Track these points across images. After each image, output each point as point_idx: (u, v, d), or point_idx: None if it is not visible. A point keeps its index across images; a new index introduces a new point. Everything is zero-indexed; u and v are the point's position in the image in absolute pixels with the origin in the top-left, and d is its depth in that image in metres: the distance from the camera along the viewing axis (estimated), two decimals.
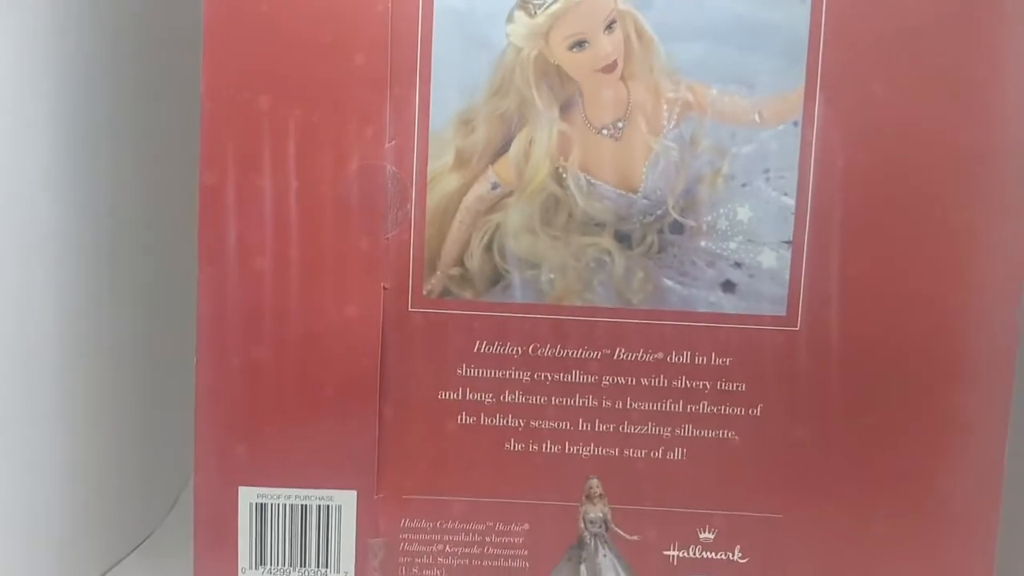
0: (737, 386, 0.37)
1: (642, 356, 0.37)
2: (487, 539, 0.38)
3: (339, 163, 0.36)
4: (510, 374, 0.37)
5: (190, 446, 0.37)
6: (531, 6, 0.35)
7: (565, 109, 0.36)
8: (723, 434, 0.37)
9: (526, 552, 0.38)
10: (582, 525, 0.38)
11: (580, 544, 0.38)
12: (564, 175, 0.36)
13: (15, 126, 0.36)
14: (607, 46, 0.35)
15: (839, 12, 0.35)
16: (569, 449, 0.37)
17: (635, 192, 0.36)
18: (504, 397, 0.37)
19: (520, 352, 0.37)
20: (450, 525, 0.38)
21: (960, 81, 0.35)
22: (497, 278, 0.37)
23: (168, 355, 0.46)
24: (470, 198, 0.36)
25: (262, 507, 0.38)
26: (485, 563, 0.38)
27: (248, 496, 0.38)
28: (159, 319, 0.46)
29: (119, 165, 0.42)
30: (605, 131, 0.36)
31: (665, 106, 0.35)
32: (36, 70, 0.37)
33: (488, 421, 0.37)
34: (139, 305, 0.45)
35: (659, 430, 0.37)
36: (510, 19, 0.35)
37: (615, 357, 0.37)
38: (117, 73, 0.42)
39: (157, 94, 0.44)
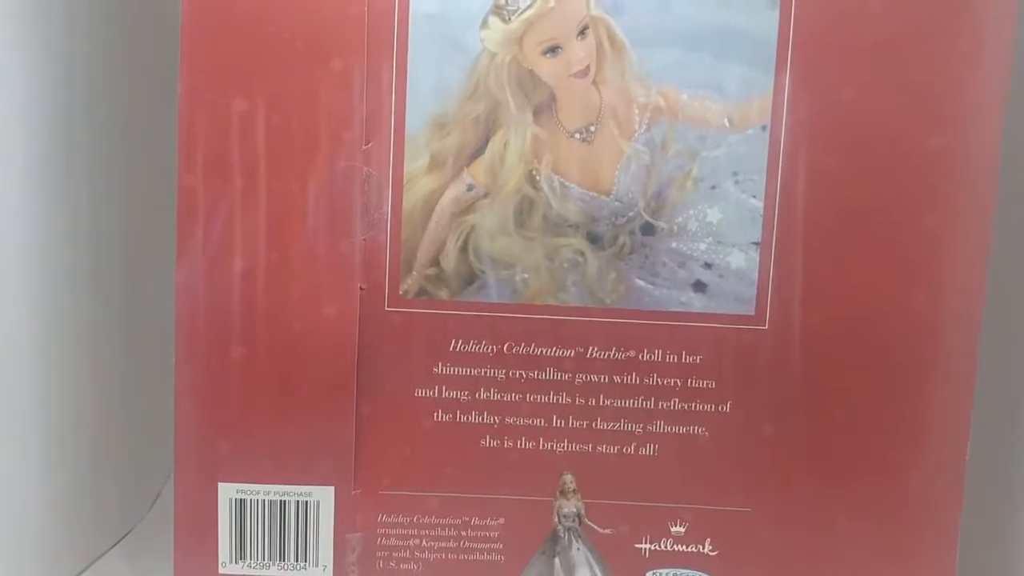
0: (707, 383, 0.37)
1: (614, 354, 0.37)
2: (463, 533, 0.39)
3: (316, 165, 0.36)
4: (485, 372, 0.37)
5: (170, 442, 0.38)
6: (505, 12, 0.35)
7: (538, 113, 0.36)
8: (693, 430, 0.38)
9: (501, 546, 0.39)
10: (556, 519, 0.38)
11: (554, 538, 0.38)
12: (538, 178, 0.36)
13: None
14: (580, 51, 0.36)
15: (808, 19, 0.35)
16: (543, 445, 0.38)
17: (607, 194, 0.37)
18: (479, 395, 0.38)
19: (495, 351, 0.37)
20: (426, 520, 0.38)
21: (926, 87, 0.35)
22: (472, 278, 0.37)
23: (148, 352, 0.46)
24: (446, 200, 0.37)
25: (241, 503, 0.38)
26: (461, 557, 0.39)
27: (228, 492, 0.38)
28: (139, 317, 0.46)
29: (97, 167, 0.42)
30: (577, 135, 0.36)
31: (636, 110, 0.36)
32: (12, 72, 0.37)
33: (464, 418, 0.38)
34: (119, 303, 0.45)
35: (631, 426, 0.38)
36: (485, 24, 0.35)
37: (588, 355, 0.37)
38: (94, 75, 0.42)
39: (134, 96, 0.44)
